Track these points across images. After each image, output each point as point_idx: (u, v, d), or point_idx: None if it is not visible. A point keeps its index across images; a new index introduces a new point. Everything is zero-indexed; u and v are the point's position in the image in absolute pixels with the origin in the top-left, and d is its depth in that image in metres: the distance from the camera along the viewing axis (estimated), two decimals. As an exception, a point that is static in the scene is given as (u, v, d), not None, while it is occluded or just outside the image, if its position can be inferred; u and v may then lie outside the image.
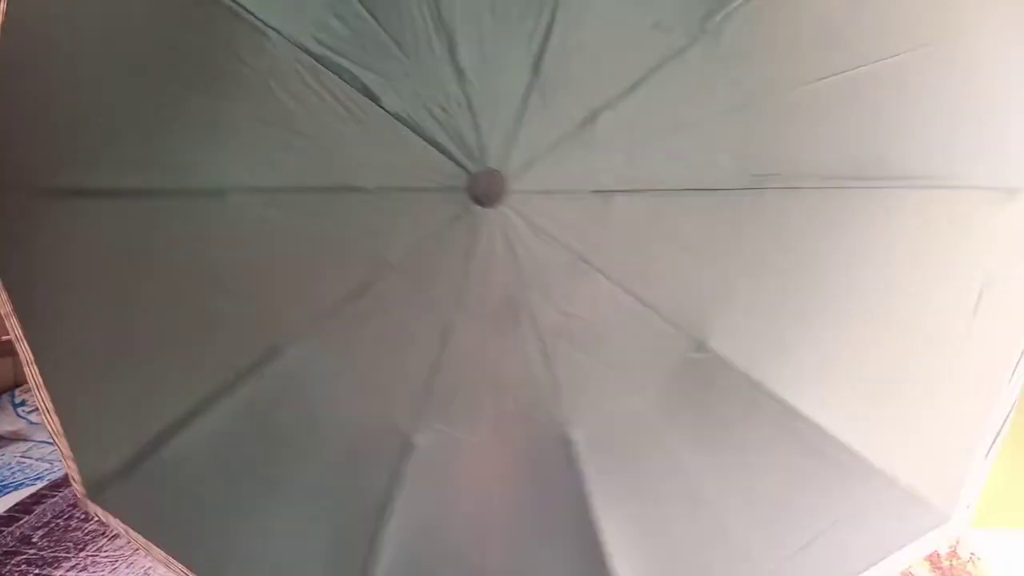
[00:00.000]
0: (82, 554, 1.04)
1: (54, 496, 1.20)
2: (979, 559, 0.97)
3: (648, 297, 0.48)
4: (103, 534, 1.07)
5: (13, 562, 1.03)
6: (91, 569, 1.00)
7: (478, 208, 0.49)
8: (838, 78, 0.50)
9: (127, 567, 0.96)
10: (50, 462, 1.29)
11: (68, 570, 1.00)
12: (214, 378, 0.56)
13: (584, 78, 0.49)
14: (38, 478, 1.25)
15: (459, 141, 0.49)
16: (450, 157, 0.49)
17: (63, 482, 1.22)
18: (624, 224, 0.49)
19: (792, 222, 0.50)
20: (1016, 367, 0.55)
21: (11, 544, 1.07)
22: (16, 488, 1.22)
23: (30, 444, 1.37)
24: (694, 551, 0.56)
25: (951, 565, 0.97)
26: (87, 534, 1.09)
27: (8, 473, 1.27)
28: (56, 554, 1.04)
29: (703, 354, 0.48)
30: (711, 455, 0.53)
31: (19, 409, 1.43)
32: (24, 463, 1.31)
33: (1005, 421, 0.57)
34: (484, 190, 0.49)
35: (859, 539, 0.56)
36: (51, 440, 0.65)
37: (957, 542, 0.99)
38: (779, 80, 0.50)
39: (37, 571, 1.01)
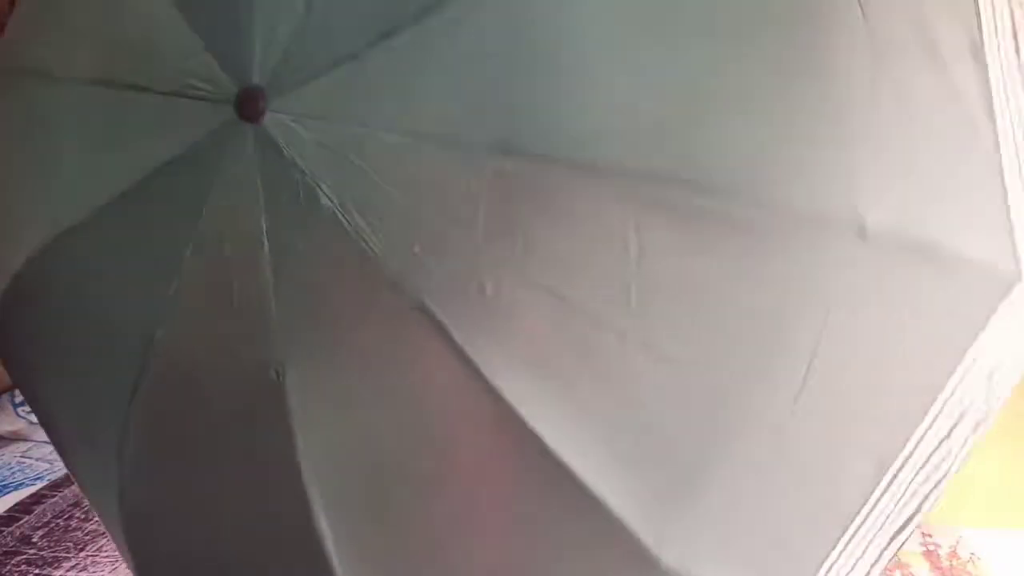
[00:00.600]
0: (82, 554, 1.04)
1: (54, 496, 1.20)
2: (979, 559, 0.97)
3: (376, 245, 0.47)
4: (103, 534, 1.07)
5: (13, 562, 1.03)
6: (91, 569, 1.00)
7: (241, 124, 0.48)
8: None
9: (127, 567, 0.96)
10: (50, 462, 1.29)
11: (68, 570, 1.00)
12: None
13: (372, 11, 0.48)
14: (38, 478, 1.25)
15: (234, 53, 0.49)
16: (226, 70, 0.49)
17: (63, 482, 1.22)
18: (378, 165, 0.47)
19: (548, 207, 0.46)
20: None
21: (11, 544, 1.07)
22: (16, 488, 1.22)
23: (30, 444, 1.37)
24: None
25: (951, 565, 0.97)
26: (87, 534, 1.09)
27: (8, 473, 1.27)
28: (56, 554, 1.04)
29: (419, 314, 0.46)
30: (405, 416, 0.51)
31: (19, 409, 1.43)
32: (24, 463, 1.31)
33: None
34: (247, 105, 0.48)
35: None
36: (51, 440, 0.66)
37: (957, 542, 0.99)
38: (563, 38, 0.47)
39: (37, 571, 1.01)
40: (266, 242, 0.49)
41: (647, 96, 0.46)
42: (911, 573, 0.94)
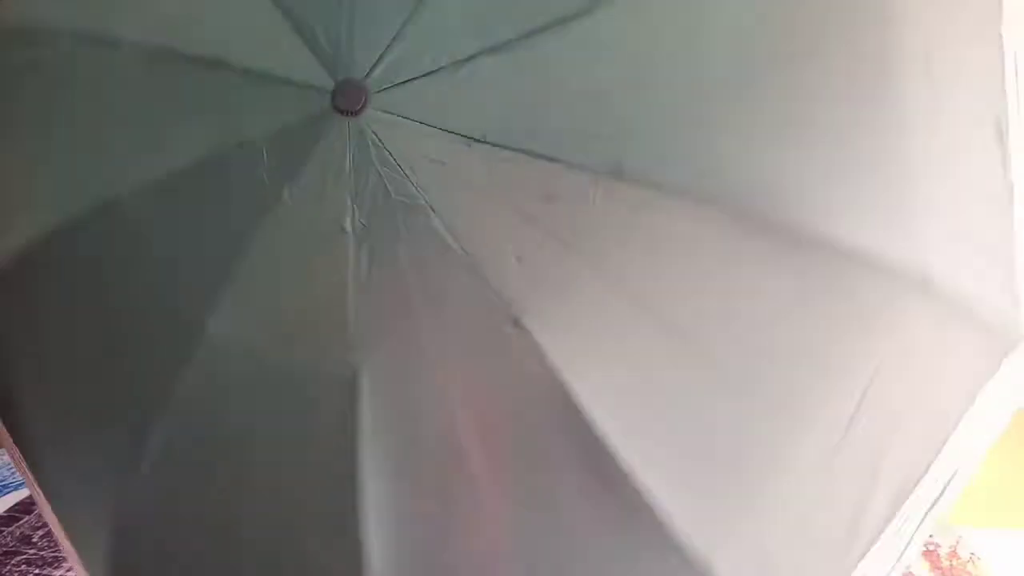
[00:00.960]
0: (82, 554, 1.04)
1: (54, 496, 1.20)
2: (979, 559, 0.97)
3: (476, 254, 0.46)
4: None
5: (13, 562, 1.03)
6: (91, 569, 1.00)
7: (335, 115, 0.46)
8: (749, 88, 0.47)
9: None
10: (50, 462, 1.29)
11: (68, 570, 1.00)
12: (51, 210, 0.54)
13: (479, 13, 0.47)
14: (38, 478, 1.25)
15: (333, 44, 0.47)
16: (320, 57, 0.47)
17: (63, 482, 1.22)
18: (478, 175, 0.46)
19: (643, 234, 0.47)
20: None
21: (11, 544, 1.07)
22: (16, 488, 1.22)
23: (30, 444, 1.37)
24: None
25: (951, 565, 0.97)
26: (87, 534, 1.09)
27: (8, 473, 1.27)
28: (56, 554, 1.04)
29: (517, 330, 0.45)
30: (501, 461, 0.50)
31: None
32: (24, 463, 1.31)
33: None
34: (347, 97, 0.46)
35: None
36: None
37: (957, 542, 0.99)
38: (682, 73, 0.47)
39: (37, 571, 1.01)
40: (352, 235, 0.47)
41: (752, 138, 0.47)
42: (911, 573, 0.94)
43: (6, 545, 1.07)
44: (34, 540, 1.08)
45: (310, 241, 0.48)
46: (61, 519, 0.63)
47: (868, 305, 0.49)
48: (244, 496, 0.54)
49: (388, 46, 0.47)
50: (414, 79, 0.47)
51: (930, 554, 0.98)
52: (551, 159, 0.46)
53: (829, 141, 0.48)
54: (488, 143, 0.46)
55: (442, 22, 0.47)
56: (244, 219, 0.49)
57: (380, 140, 0.46)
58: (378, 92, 0.46)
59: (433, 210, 0.46)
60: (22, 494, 1.20)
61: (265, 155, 0.48)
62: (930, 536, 1.00)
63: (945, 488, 0.53)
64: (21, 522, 1.13)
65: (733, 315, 0.48)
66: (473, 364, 0.49)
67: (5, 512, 1.16)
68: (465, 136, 0.46)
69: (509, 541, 0.53)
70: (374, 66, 0.47)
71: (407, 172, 0.46)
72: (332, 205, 0.47)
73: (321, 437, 0.51)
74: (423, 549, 0.53)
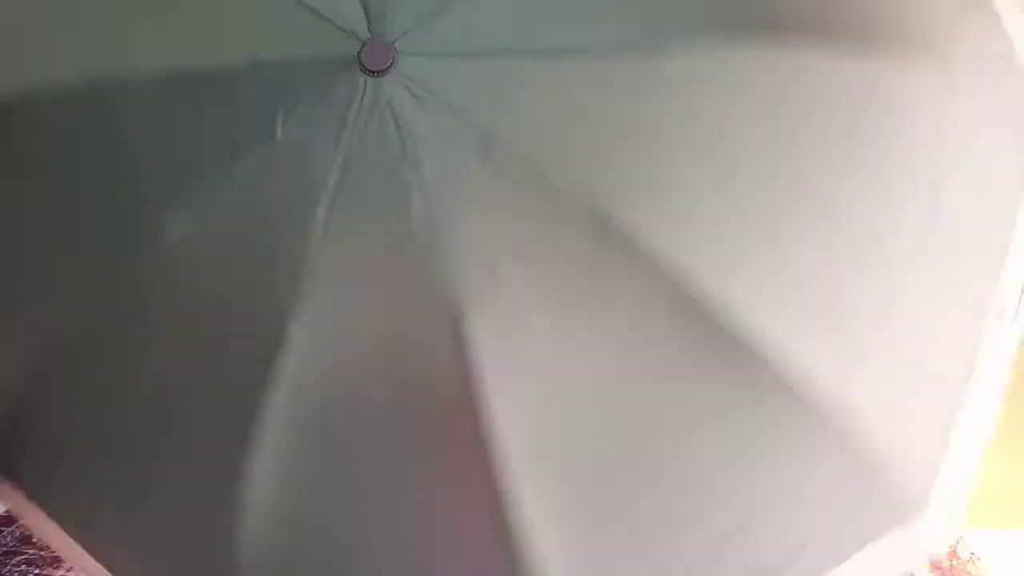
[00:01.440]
0: (82, 554, 1.04)
1: (54, 496, 1.20)
2: (979, 559, 0.97)
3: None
4: (103, 534, 1.07)
5: (13, 562, 1.03)
6: (91, 569, 1.00)
7: (357, 68, 0.45)
8: None
9: None
10: (50, 462, 1.29)
11: (68, 570, 1.00)
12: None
13: (528, 14, 0.47)
14: (38, 478, 1.25)
15: (343, 7, 0.46)
16: (366, 10, 0.46)
17: (63, 482, 1.22)
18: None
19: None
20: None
21: (11, 544, 1.07)
22: (16, 488, 1.22)
23: (30, 444, 1.37)
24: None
25: (951, 565, 0.97)
26: (87, 534, 1.09)
27: (8, 473, 1.27)
28: (56, 554, 1.04)
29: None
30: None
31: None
32: (24, 463, 1.31)
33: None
34: (374, 54, 0.45)
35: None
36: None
37: (957, 542, 0.99)
38: None
39: (37, 571, 1.01)
40: (328, 190, 0.46)
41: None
42: (911, 572, 0.94)
43: (6, 545, 1.07)
44: (34, 540, 1.08)
45: (284, 183, 0.47)
46: None
47: (782, 421, 0.49)
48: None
49: (429, 19, 0.46)
50: (445, 56, 0.46)
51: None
52: (550, 183, 0.46)
53: (814, 270, 0.48)
54: (497, 141, 0.45)
55: (488, 10, 0.47)
56: (230, 142, 0.47)
57: (393, 106, 0.45)
58: (405, 58, 0.45)
59: (421, 190, 0.45)
60: (22, 494, 1.20)
61: (273, 82, 0.47)
62: (930, 536, 1.00)
63: None
64: (21, 522, 1.13)
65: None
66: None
67: (5, 512, 1.15)
68: (477, 126, 0.45)
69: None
70: (409, 32, 0.46)
71: (407, 145, 0.45)
72: (318, 155, 0.46)
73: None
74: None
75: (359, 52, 0.45)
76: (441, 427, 0.49)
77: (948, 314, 0.53)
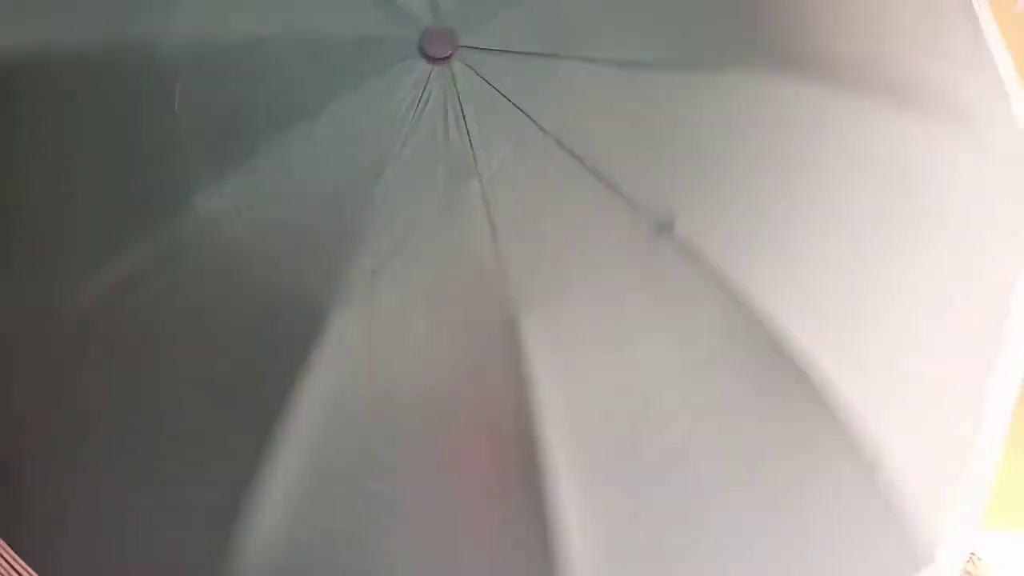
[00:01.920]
0: (82, 554, 1.03)
1: (54, 496, 1.19)
2: (979, 559, 0.97)
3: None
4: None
5: (13, 562, 1.02)
6: (91, 569, 0.99)
7: (427, 65, 0.44)
8: None
9: None
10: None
11: (68, 570, 1.00)
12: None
13: (594, 20, 0.47)
14: (38, 478, 1.25)
15: None
16: (398, 7, 0.45)
17: (63, 482, 1.21)
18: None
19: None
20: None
21: (11, 544, 1.07)
22: (16, 488, 1.22)
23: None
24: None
25: (951, 565, 0.97)
26: (87, 534, 1.08)
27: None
28: None
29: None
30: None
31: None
32: (24, 463, 1.30)
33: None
34: (436, 42, 0.45)
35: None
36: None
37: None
38: None
39: (37, 571, 1.00)
40: (375, 179, 0.44)
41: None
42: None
43: (6, 545, 1.07)
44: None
45: (335, 167, 0.46)
46: None
47: (824, 453, 0.49)
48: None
49: (491, 14, 0.46)
50: (508, 52, 0.46)
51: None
52: (614, 189, 0.45)
53: (854, 303, 0.49)
54: (559, 142, 0.45)
55: (553, 12, 0.47)
56: (278, 116, 0.46)
57: (457, 94, 0.45)
58: (467, 49, 0.45)
59: (479, 179, 0.45)
60: (22, 494, 1.20)
61: (329, 59, 0.46)
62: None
63: None
64: (21, 522, 1.13)
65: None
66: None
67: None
68: (537, 125, 0.45)
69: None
70: (472, 24, 0.46)
71: (466, 136, 0.45)
72: (372, 139, 0.45)
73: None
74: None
75: (421, 37, 0.45)
76: (486, 429, 0.48)
77: (961, 355, 0.54)
